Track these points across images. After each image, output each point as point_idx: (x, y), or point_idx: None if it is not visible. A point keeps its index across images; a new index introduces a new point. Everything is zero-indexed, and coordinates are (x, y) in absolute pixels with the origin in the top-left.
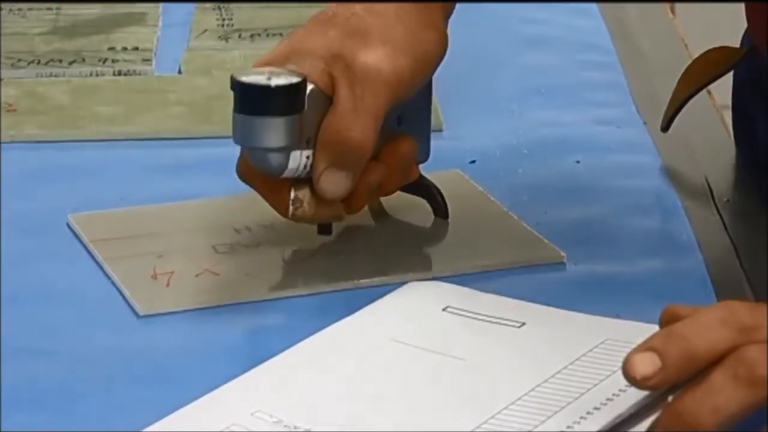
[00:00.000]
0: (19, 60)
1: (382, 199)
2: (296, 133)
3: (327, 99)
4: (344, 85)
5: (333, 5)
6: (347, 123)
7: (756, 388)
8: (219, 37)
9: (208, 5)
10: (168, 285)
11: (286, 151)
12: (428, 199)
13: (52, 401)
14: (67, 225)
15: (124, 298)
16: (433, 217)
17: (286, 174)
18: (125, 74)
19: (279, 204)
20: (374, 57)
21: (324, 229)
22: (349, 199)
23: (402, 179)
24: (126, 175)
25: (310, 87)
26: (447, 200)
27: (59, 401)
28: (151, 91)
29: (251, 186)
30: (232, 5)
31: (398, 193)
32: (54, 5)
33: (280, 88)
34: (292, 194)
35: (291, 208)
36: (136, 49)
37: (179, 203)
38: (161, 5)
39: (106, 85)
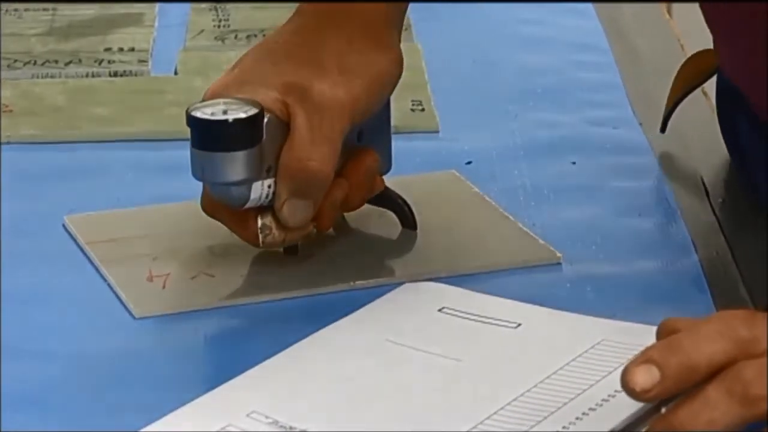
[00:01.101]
0: (16, 61)
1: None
2: (256, 164)
3: (284, 126)
4: (301, 113)
5: (281, 33)
6: (306, 153)
7: (749, 405)
8: (215, 37)
9: (204, 6)
10: (164, 287)
11: (247, 183)
12: (395, 210)
13: (48, 402)
14: (63, 226)
15: (120, 300)
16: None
17: (249, 204)
18: (121, 75)
19: (248, 234)
20: (329, 84)
21: (290, 250)
22: (315, 219)
23: (367, 193)
24: (122, 177)
25: (267, 116)
26: (442, 204)
27: (55, 402)
28: (148, 91)
29: (218, 220)
30: (229, 6)
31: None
32: (50, 6)
33: (238, 122)
34: (260, 222)
35: (260, 236)
36: (133, 49)
37: (175, 205)
38: (157, 6)
39: (103, 85)
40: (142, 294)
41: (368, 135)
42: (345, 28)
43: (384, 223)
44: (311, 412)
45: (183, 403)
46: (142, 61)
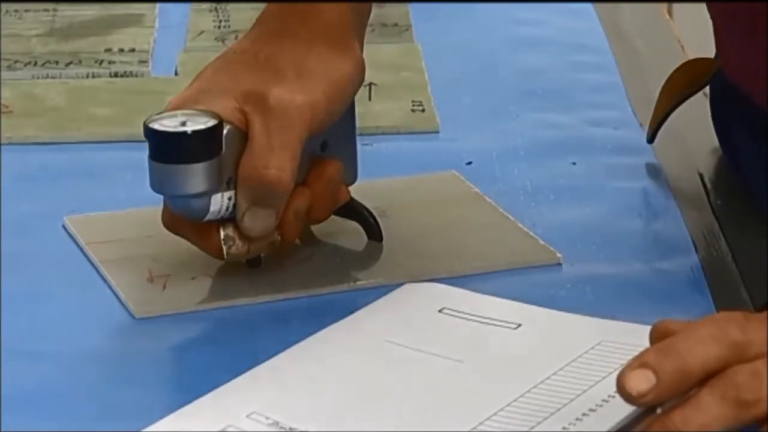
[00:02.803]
0: (16, 61)
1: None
2: (216, 176)
3: (245, 137)
4: (258, 121)
5: (241, 43)
6: (263, 160)
7: (742, 409)
8: (215, 38)
9: (205, 6)
10: (164, 288)
11: (207, 195)
12: (360, 222)
13: (47, 403)
14: (63, 227)
15: (120, 300)
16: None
17: (209, 217)
18: (122, 76)
19: (211, 247)
20: (287, 90)
21: (253, 262)
22: (280, 229)
23: (331, 203)
24: (122, 177)
25: (227, 128)
26: (443, 204)
27: (55, 403)
28: (148, 92)
29: (179, 235)
30: (229, 6)
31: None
32: (51, 6)
33: (196, 134)
34: (222, 234)
35: (224, 247)
36: (133, 50)
37: None
38: (158, 6)
39: (103, 86)
40: (142, 295)
41: (332, 145)
42: (303, 35)
43: (382, 224)
44: (311, 412)
45: (183, 404)
46: (142, 62)
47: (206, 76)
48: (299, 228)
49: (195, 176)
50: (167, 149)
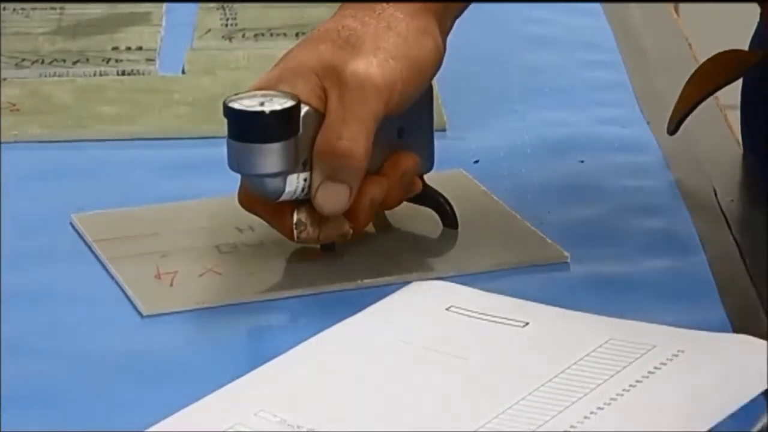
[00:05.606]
0: (23, 60)
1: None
2: (292, 157)
3: (322, 118)
4: (335, 95)
5: (325, 23)
6: (336, 132)
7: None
8: (223, 36)
9: (212, 5)
10: (171, 285)
11: (283, 175)
12: (436, 208)
13: (54, 401)
14: (71, 225)
15: (128, 298)
16: (440, 227)
17: (284, 197)
18: (129, 74)
19: (284, 228)
20: (364, 65)
21: (327, 246)
22: (352, 215)
23: (405, 193)
24: (129, 175)
25: (304, 109)
26: (454, 207)
27: (62, 401)
28: (155, 91)
29: (254, 213)
30: (236, 5)
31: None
32: (58, 5)
33: (274, 114)
34: (295, 217)
35: (295, 231)
36: (140, 48)
37: (183, 203)
38: (165, 5)
39: (110, 84)
40: (150, 292)
41: (409, 132)
42: (386, 14)
43: (391, 223)
44: (319, 411)
45: (191, 402)
46: (149, 60)
47: (290, 55)
48: (372, 216)
49: (271, 156)
50: (245, 128)
